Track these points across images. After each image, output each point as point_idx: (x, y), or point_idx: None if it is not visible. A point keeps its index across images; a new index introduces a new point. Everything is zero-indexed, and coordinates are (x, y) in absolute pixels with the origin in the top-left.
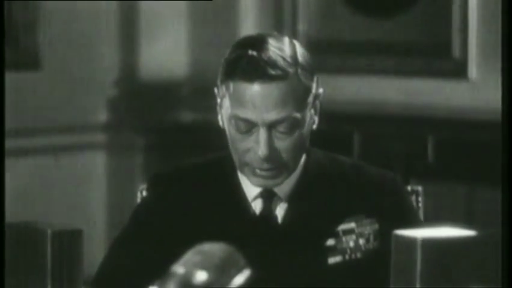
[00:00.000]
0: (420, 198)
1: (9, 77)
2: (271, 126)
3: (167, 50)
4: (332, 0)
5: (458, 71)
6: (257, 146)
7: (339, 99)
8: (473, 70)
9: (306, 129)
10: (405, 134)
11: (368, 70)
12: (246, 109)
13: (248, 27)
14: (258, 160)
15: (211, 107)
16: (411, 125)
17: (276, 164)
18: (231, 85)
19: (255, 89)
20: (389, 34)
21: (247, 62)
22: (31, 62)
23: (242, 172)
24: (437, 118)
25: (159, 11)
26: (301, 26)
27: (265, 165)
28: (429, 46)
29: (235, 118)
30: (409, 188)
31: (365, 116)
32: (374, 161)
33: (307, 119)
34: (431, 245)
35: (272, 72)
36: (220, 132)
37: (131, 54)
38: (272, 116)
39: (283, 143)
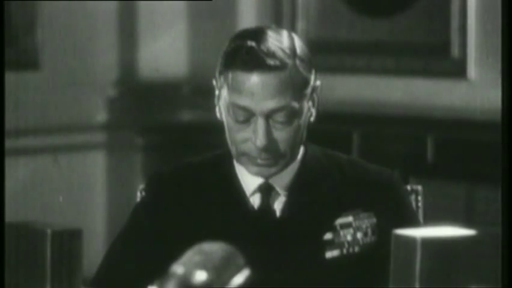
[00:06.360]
0: (419, 198)
1: (9, 77)
2: (268, 116)
3: (167, 49)
4: (331, 0)
5: (457, 70)
6: (255, 136)
7: (338, 99)
8: (472, 70)
9: (303, 121)
10: (405, 134)
11: (367, 70)
12: (244, 97)
13: (247, 26)
14: (256, 150)
15: (211, 106)
16: (411, 125)
17: (273, 154)
18: (230, 75)
19: (253, 78)
20: (388, 34)
21: (246, 52)
22: (30, 62)
23: (239, 162)
24: (436, 118)
25: (158, 11)
26: (301, 25)
27: (263, 155)
28: (429, 46)
29: (233, 106)
30: (409, 187)
31: (364, 115)
32: (374, 160)
33: (305, 110)
34: (430, 244)
35: (271, 62)
36: (220, 130)
37: (131, 54)
38: (270, 104)
39: (280, 133)
